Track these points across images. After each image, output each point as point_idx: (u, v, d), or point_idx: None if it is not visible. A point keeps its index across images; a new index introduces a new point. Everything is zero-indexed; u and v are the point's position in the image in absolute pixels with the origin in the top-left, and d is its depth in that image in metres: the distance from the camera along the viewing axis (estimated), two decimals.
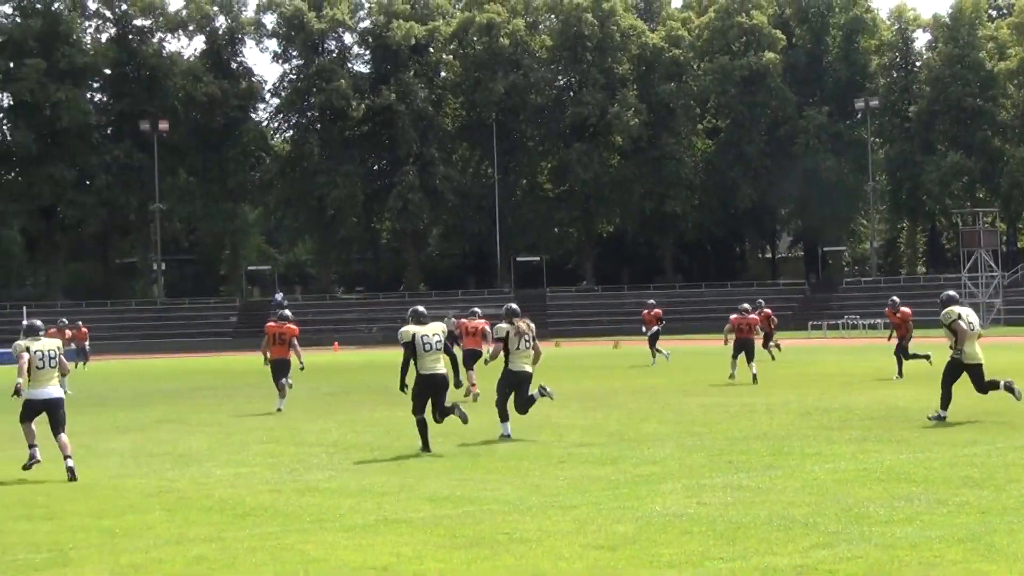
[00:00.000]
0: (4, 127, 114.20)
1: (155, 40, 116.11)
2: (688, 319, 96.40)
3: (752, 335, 37.56)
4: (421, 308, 21.03)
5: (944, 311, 22.66)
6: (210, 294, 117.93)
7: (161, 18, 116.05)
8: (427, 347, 20.22)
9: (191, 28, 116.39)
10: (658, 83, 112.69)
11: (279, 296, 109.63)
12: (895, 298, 36.89)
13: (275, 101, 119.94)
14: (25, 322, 19.83)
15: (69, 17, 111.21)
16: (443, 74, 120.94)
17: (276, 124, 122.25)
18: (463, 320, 35.10)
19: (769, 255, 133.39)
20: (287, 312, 31.00)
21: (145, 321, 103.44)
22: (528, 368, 22.14)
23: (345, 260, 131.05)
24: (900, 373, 35.00)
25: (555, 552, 11.44)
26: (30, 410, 18.85)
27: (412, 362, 20.33)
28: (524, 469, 17.40)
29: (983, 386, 22.64)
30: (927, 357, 35.64)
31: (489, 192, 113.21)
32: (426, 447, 20.16)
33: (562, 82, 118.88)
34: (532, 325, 22.49)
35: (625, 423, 23.82)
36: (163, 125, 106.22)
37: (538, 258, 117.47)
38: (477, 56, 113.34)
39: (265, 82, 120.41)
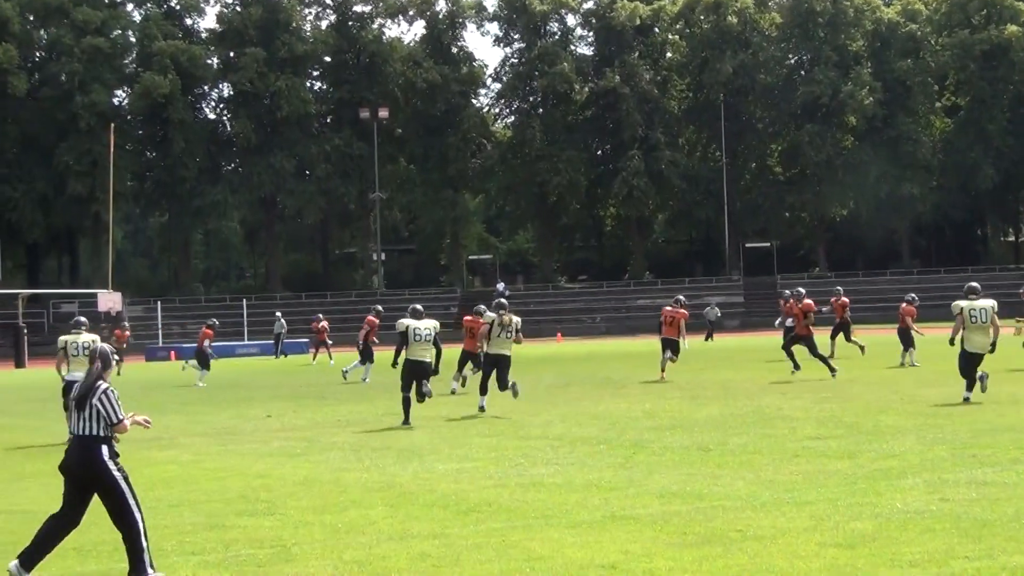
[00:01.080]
0: (224, 117, 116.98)
1: (375, 26, 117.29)
2: (925, 305, 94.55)
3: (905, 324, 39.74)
4: (419, 307, 26.62)
5: (952, 304, 26.20)
6: (430, 284, 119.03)
7: (381, 4, 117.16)
8: (417, 338, 25.44)
9: (411, 13, 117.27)
10: (894, 60, 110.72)
11: (500, 286, 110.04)
12: (839, 288, 40.10)
13: (496, 86, 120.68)
14: (74, 319, 26.23)
15: (289, 5, 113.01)
16: (669, 55, 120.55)
17: (497, 109, 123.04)
18: (667, 308, 37.82)
19: (1012, 238, 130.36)
20: (481, 307, 33.33)
21: (365, 312, 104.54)
22: (506, 352, 27.64)
23: (568, 248, 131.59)
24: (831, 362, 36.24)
25: (790, 550, 11.33)
26: (68, 391, 22.14)
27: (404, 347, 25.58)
28: (756, 463, 17.29)
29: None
30: (861, 348, 40.46)
31: (717, 176, 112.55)
32: (406, 421, 25.19)
33: (792, 61, 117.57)
34: (517, 320, 27.85)
35: (862, 415, 23.50)
36: (383, 113, 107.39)
37: (768, 244, 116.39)
38: (704, 35, 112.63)
39: (486, 67, 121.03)
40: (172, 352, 75.70)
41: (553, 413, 26.23)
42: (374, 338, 43.81)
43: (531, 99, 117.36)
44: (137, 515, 11.13)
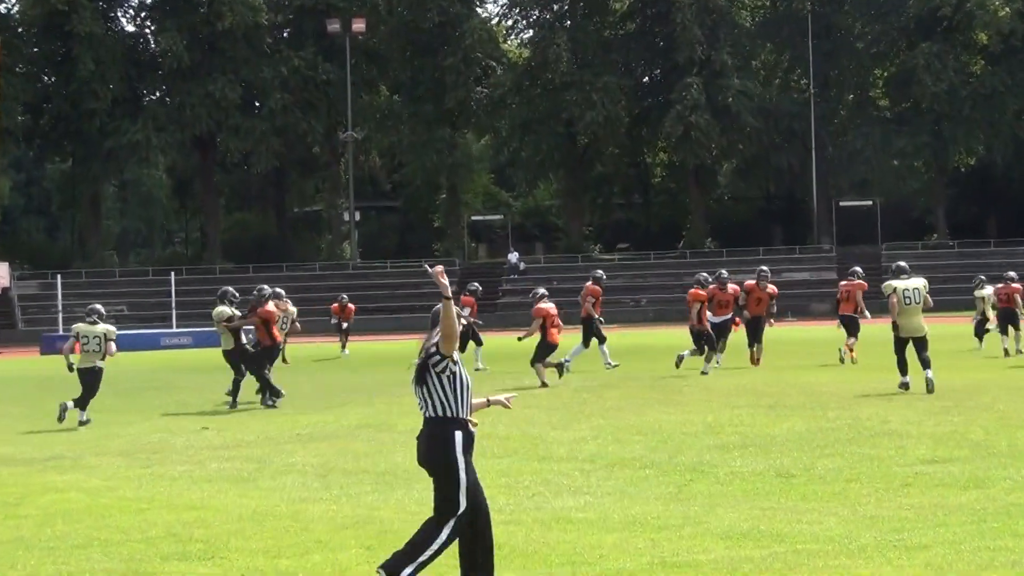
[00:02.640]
0: (147, 30, 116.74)
1: None
2: None
3: (1013, 305, 43.79)
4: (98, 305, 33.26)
5: (884, 284, 30.99)
6: (420, 253, 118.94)
7: None
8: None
9: None
10: None
11: (514, 256, 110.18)
12: (723, 272, 42.82)
13: None
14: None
15: None
16: None
17: (511, 22, 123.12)
18: (843, 283, 42.61)
19: None
20: (267, 290, 37.18)
21: (333, 290, 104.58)
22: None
23: (603, 207, 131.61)
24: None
25: None
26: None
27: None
28: (854, 494, 17.31)
29: (924, 359, 30.45)
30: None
31: (802, 112, 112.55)
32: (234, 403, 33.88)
33: None
34: (294, 309, 38.40)
35: (995, 431, 23.48)
36: (358, 25, 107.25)
37: (870, 202, 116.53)
38: None
39: None
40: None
41: (583, 426, 26.27)
42: (598, 314, 43.23)
43: (555, 7, 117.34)
44: (447, 533, 11.59)
